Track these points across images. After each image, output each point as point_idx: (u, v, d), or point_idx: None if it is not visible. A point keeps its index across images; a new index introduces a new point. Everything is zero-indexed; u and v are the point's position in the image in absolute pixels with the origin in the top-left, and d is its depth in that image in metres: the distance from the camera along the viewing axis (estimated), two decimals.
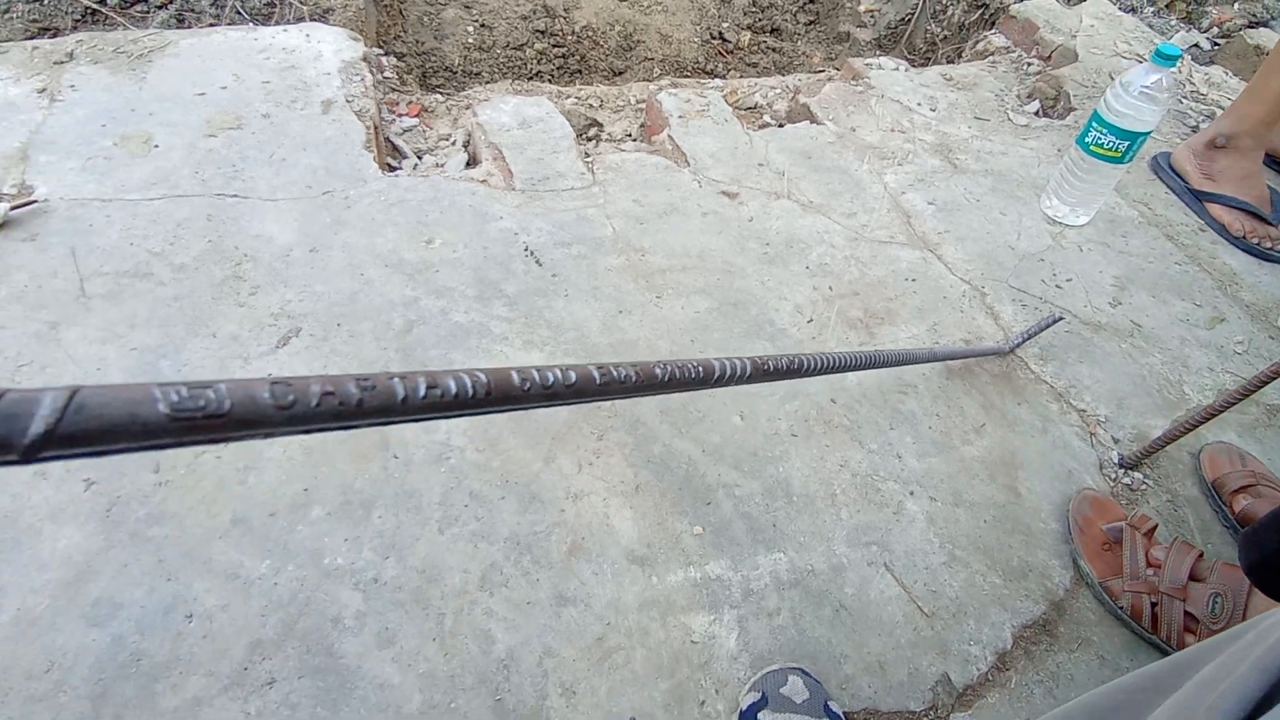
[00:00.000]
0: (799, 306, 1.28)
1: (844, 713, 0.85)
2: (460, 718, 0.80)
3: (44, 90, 1.34)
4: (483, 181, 1.34)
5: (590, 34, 2.34)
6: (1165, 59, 1.37)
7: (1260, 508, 1.08)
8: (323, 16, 1.86)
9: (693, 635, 0.89)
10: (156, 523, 0.89)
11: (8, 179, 1.19)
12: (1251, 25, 2.82)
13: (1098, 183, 1.54)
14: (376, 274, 1.18)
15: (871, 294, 1.34)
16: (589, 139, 1.58)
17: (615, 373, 0.47)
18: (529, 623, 0.88)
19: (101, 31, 1.55)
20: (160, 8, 1.78)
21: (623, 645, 0.88)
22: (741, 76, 2.53)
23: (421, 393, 0.34)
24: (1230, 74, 2.33)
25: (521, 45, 2.24)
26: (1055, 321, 1.31)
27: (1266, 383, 0.99)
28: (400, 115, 1.53)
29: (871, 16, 2.86)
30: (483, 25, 2.25)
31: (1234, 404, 1.05)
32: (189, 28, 1.76)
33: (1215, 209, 1.68)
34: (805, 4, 2.89)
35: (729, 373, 0.59)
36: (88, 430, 0.22)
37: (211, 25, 1.79)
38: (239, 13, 1.84)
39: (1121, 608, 0.99)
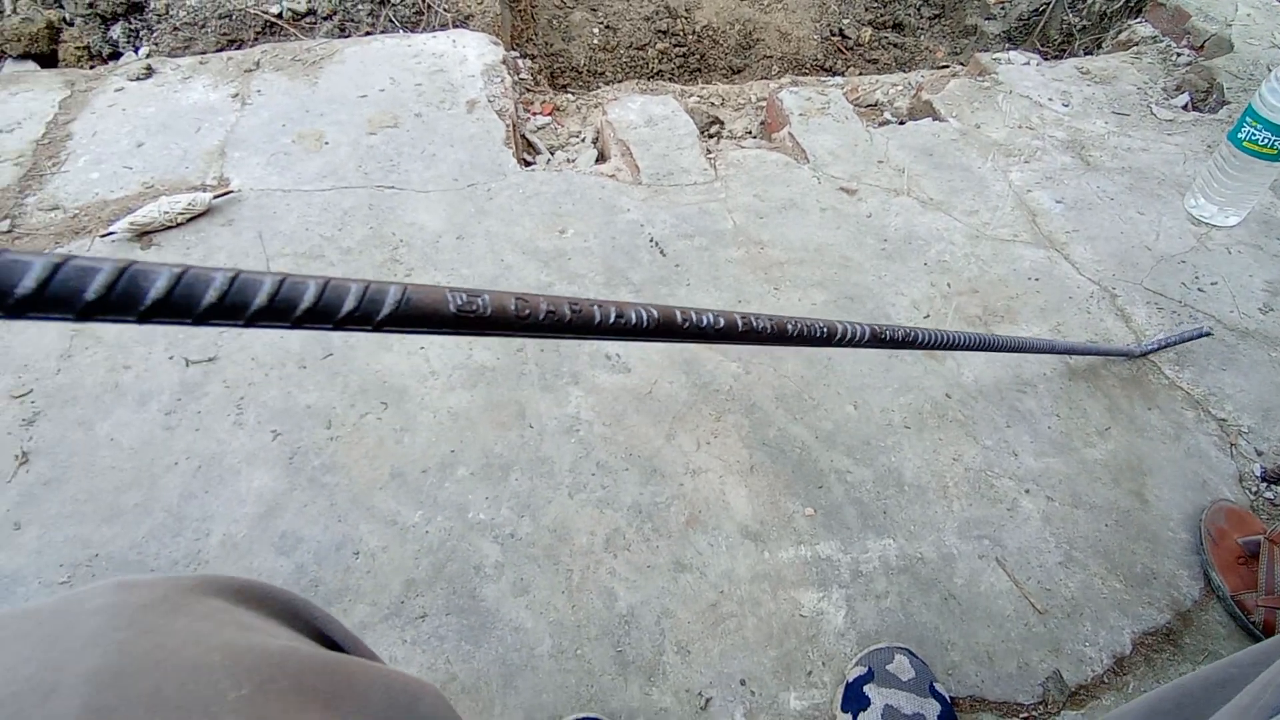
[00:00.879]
0: (915, 302, 1.29)
1: (950, 697, 0.88)
2: (585, 663, 0.88)
3: (236, 95, 1.53)
4: (611, 176, 1.43)
5: (710, 33, 2.39)
6: None
7: None
8: (464, 22, 2.01)
9: (802, 609, 0.94)
10: (329, 471, 1.02)
11: (210, 172, 1.38)
12: None
13: (1251, 181, 1.45)
14: (515, 260, 1.28)
15: (991, 292, 1.33)
16: (711, 136, 1.63)
17: (755, 322, 0.53)
18: (648, 584, 0.95)
19: (280, 42, 1.74)
20: (325, 19, 1.97)
21: (735, 613, 0.93)
22: (861, 74, 2.51)
23: (611, 318, 0.41)
24: None
25: (644, 45, 2.33)
26: (1202, 335, 1.25)
27: None
28: (535, 114, 1.64)
29: (1001, 8, 2.76)
30: (608, 27, 2.35)
31: None
32: (349, 36, 1.94)
33: None
34: None
35: (850, 334, 0.63)
36: (406, 314, 0.31)
37: (368, 33, 1.97)
38: (391, 21, 2.01)
39: (1254, 623, 0.95)
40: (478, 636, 0.90)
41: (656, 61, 2.31)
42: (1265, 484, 1.12)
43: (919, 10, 2.81)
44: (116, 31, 1.88)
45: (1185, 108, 1.84)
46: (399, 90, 1.57)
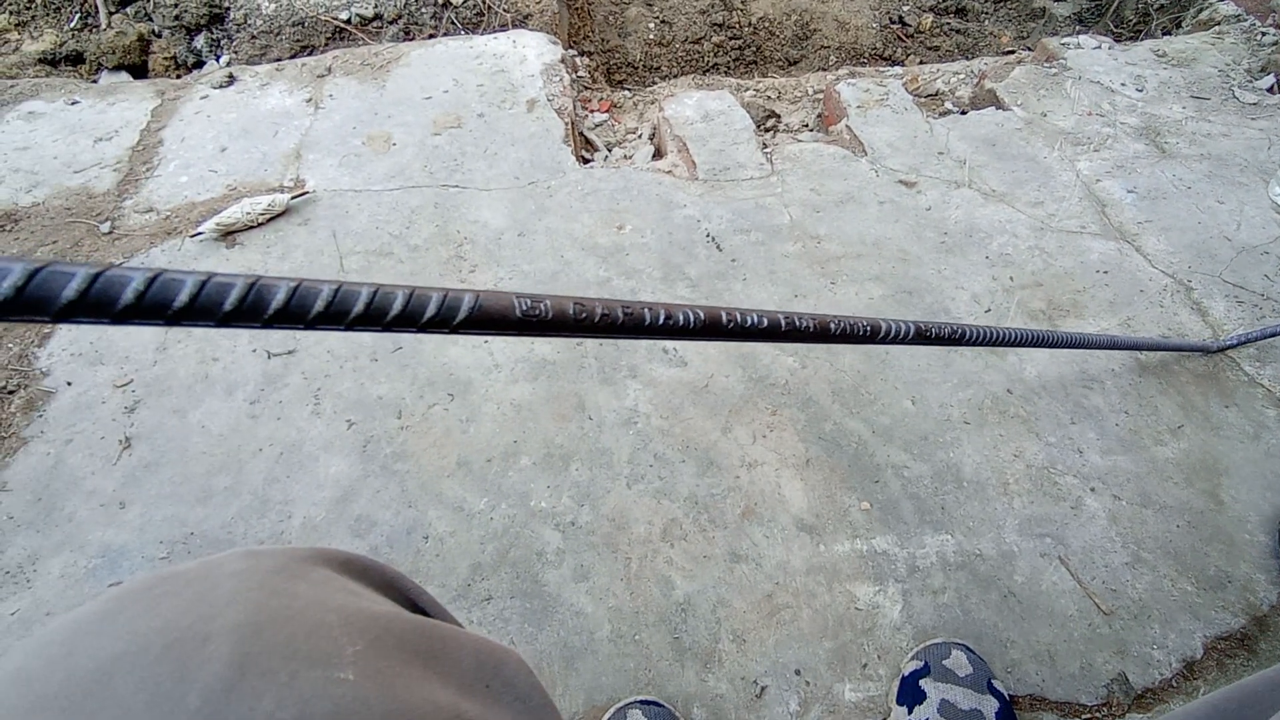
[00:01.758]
0: (976, 296, 1.27)
1: (1008, 695, 0.87)
2: (644, 648, 0.91)
3: (310, 100, 1.60)
4: (668, 172, 1.44)
5: (766, 25, 2.38)
6: None
7: None
8: (523, 21, 2.05)
9: (857, 602, 0.95)
10: (400, 459, 1.07)
11: (287, 173, 1.45)
12: None
13: None
14: (574, 256, 1.31)
15: (1056, 285, 1.30)
16: (767, 130, 1.63)
17: (798, 321, 0.55)
18: (705, 574, 0.97)
19: (349, 47, 1.81)
20: (391, 22, 2.04)
21: (790, 604, 0.95)
22: (922, 62, 2.46)
23: (660, 319, 0.44)
24: None
25: (699, 39, 2.33)
26: None
27: None
28: (592, 111, 1.67)
29: None
30: (663, 21, 2.36)
31: None
32: (413, 39, 2.01)
33: None
34: None
35: (894, 332, 0.64)
36: (479, 318, 0.34)
37: (431, 36, 2.03)
38: (453, 23, 2.07)
39: None
40: (540, 620, 0.93)
41: (712, 55, 2.31)
42: None
43: None
44: (200, 41, 1.99)
45: (1271, 90, 1.75)
46: (462, 91, 1.62)
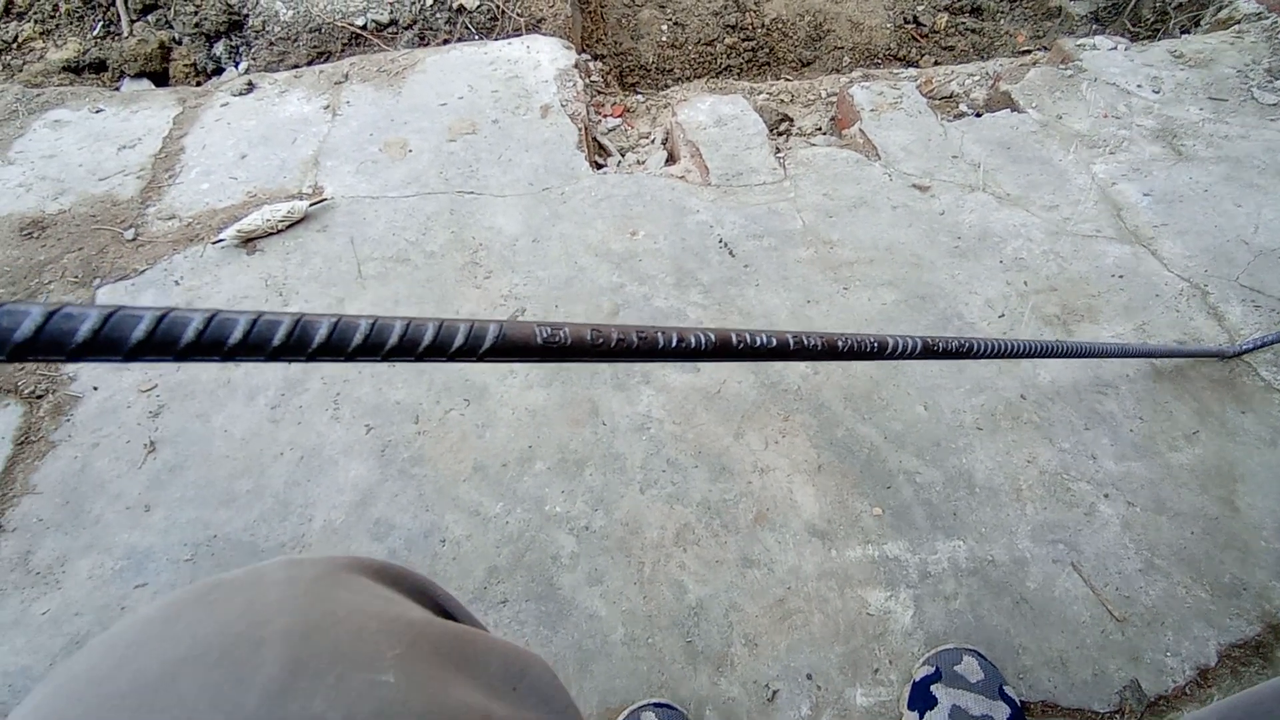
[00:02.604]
0: (990, 301, 1.27)
1: (1020, 701, 0.88)
2: (657, 651, 0.92)
3: (328, 106, 1.63)
4: (681, 178, 1.45)
5: (780, 25, 2.38)
6: None
7: None
8: (536, 26, 2.07)
9: (868, 608, 0.95)
10: (417, 464, 1.09)
11: (306, 180, 1.48)
12: None
13: None
14: (588, 262, 1.33)
15: (1071, 290, 1.30)
16: (780, 133, 1.64)
17: (806, 341, 0.55)
18: (717, 579, 0.98)
19: (366, 54, 1.84)
20: (406, 28, 2.06)
21: (801, 609, 0.95)
22: (936, 62, 2.45)
23: (674, 343, 0.45)
24: None
25: (712, 41, 2.33)
26: None
27: None
28: (606, 116, 1.68)
29: None
30: (676, 23, 2.37)
31: None
32: (428, 44, 2.03)
33: None
34: None
35: (901, 348, 0.65)
36: (503, 346, 0.35)
37: (446, 41, 2.05)
38: (467, 28, 2.08)
39: None
40: (555, 622, 0.95)
41: (725, 57, 2.32)
42: None
43: None
44: (219, 49, 2.02)
45: None
46: (476, 97, 1.64)
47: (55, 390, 1.17)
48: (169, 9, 2.04)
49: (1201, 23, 2.29)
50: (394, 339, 0.32)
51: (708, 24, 2.34)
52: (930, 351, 0.65)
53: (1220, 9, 2.19)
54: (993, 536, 1.01)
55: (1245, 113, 1.64)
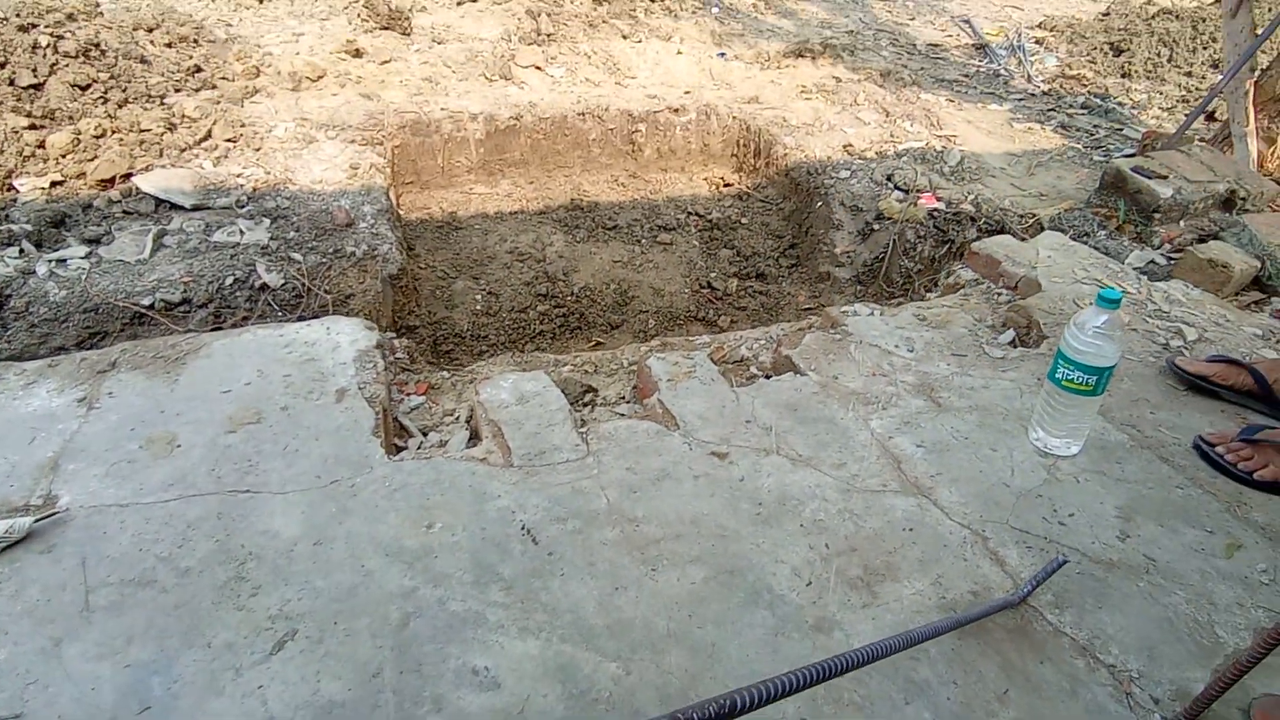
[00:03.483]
0: (796, 569, 1.27)
1: None
2: None
3: (83, 399, 1.46)
4: (482, 460, 1.41)
5: (589, 293, 2.57)
6: (1109, 302, 1.47)
7: None
8: (344, 302, 2.07)
9: None
10: None
11: (36, 490, 1.27)
12: (1201, 240, 3.03)
13: (1079, 414, 1.59)
14: (376, 564, 1.20)
15: (869, 549, 1.33)
16: (584, 404, 1.68)
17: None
18: None
19: (144, 339, 1.72)
20: (201, 306, 1.99)
21: None
22: (732, 321, 2.72)
23: None
24: (1190, 286, 2.47)
25: (525, 308, 2.46)
26: (1061, 564, 1.28)
27: None
28: (409, 394, 1.65)
29: (848, 256, 3.13)
30: (490, 293, 2.49)
31: (1275, 646, 0.99)
32: (224, 323, 1.96)
33: None
34: (786, 250, 3.18)
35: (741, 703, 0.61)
36: None
37: (245, 319, 1.99)
38: (270, 305, 2.05)
39: None
40: None
41: (538, 323, 2.43)
42: None
43: (778, 261, 3.15)
44: None
45: (1012, 344, 2.06)
46: (265, 383, 1.55)
47: None
48: None
49: (937, 284, 2.76)
50: None
51: (520, 293, 2.48)
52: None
53: (949, 275, 2.65)
54: None
55: (982, 366, 1.91)
